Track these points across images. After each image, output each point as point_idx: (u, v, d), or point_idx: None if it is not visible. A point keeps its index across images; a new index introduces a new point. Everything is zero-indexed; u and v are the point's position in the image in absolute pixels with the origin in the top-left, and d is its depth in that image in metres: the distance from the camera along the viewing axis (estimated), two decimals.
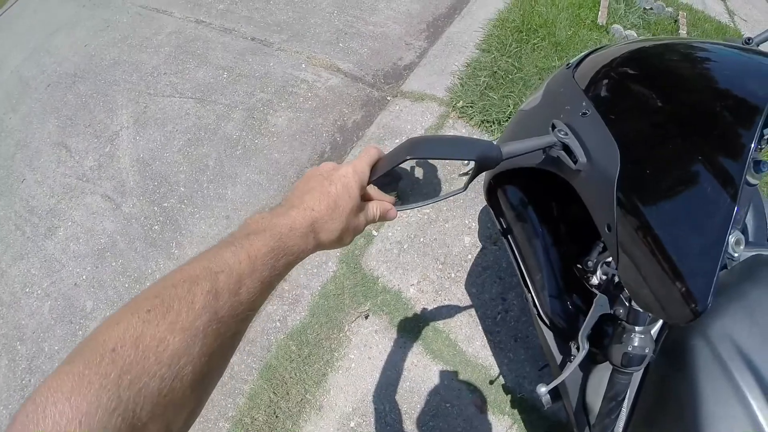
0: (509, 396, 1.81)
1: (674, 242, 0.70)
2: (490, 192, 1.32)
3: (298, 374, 1.88)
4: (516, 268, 1.31)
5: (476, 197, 2.11)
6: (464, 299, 1.90)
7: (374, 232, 2.02)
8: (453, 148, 0.64)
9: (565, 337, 1.22)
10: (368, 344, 1.86)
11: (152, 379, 0.31)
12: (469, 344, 1.84)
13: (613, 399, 0.90)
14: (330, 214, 0.49)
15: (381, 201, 0.60)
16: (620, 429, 0.96)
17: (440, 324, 1.86)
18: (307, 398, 1.86)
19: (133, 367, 0.31)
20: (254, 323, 2.01)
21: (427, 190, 0.71)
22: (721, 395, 0.75)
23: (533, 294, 1.28)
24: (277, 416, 1.88)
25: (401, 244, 1.99)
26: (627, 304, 0.88)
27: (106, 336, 0.32)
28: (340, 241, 0.53)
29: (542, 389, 1.02)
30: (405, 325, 1.86)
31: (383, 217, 0.59)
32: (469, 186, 0.70)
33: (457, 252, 1.98)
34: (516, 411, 1.80)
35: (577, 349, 1.02)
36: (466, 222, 2.04)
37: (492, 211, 1.36)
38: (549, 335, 1.24)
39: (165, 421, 0.32)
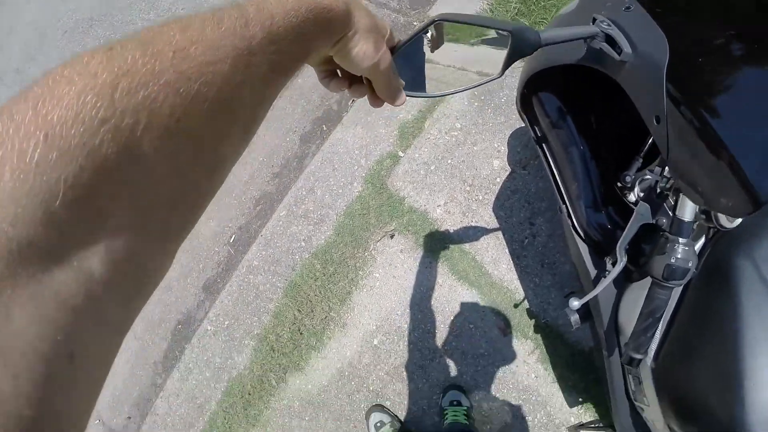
0: (533, 321, 1.78)
1: (732, 132, 0.65)
2: (524, 100, 1.24)
3: (322, 292, 1.89)
4: (550, 177, 1.24)
5: (506, 121, 2.02)
6: (491, 222, 1.85)
7: (400, 153, 1.96)
8: (487, 20, 0.57)
9: (601, 251, 1.16)
10: (393, 263, 1.84)
11: (163, 90, 0.22)
12: (495, 267, 1.80)
13: (650, 315, 0.85)
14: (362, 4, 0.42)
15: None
16: (654, 348, 0.92)
17: (466, 246, 1.82)
18: (331, 316, 1.87)
19: (137, 69, 0.22)
20: (280, 241, 2.01)
21: (449, 81, 0.64)
22: (766, 318, 0.72)
23: (568, 204, 1.22)
24: (301, 333, 1.91)
25: (428, 165, 1.93)
26: (671, 213, 0.83)
27: (102, 48, 0.23)
28: (371, 35, 0.41)
29: (575, 303, 0.97)
30: (431, 245, 1.83)
31: (393, 93, 0.47)
32: (505, 75, 0.63)
33: (485, 175, 1.91)
34: (539, 336, 1.77)
35: (613, 264, 0.97)
36: (495, 145, 1.95)
37: (525, 120, 1.29)
38: (584, 249, 1.19)
39: (174, 165, 0.24)
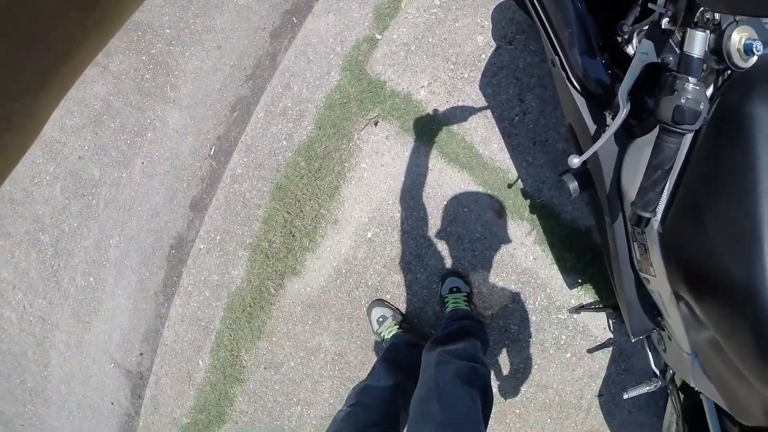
0: (528, 201, 1.72)
1: None
2: None
3: (310, 190, 1.81)
4: (539, 25, 1.11)
5: None
6: (479, 100, 1.73)
7: (378, 36, 1.81)
8: None
9: (600, 103, 1.06)
10: (380, 151, 1.75)
11: None
12: (486, 147, 1.71)
13: (658, 167, 0.75)
14: None
15: None
16: (662, 210, 0.83)
17: (454, 127, 1.72)
18: (321, 213, 1.81)
19: None
20: (261, 144, 1.92)
21: None
22: None
23: (561, 54, 1.09)
24: (293, 235, 1.86)
25: (408, 46, 1.78)
26: (678, 50, 0.73)
27: None
28: None
29: (574, 160, 0.88)
30: (417, 128, 1.73)
31: None
32: None
33: (469, 51, 1.77)
34: (535, 217, 1.72)
35: (613, 117, 0.86)
36: (478, 21, 1.80)
37: None
38: (581, 102, 1.07)
39: None
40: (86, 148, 2.27)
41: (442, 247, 1.74)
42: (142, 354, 2.19)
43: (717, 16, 0.68)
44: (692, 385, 1.03)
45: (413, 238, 1.75)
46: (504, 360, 1.78)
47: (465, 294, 1.65)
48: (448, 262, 1.74)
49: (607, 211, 1.06)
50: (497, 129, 1.71)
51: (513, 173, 1.68)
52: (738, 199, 0.68)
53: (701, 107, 0.69)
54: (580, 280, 1.67)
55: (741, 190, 0.68)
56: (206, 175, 2.05)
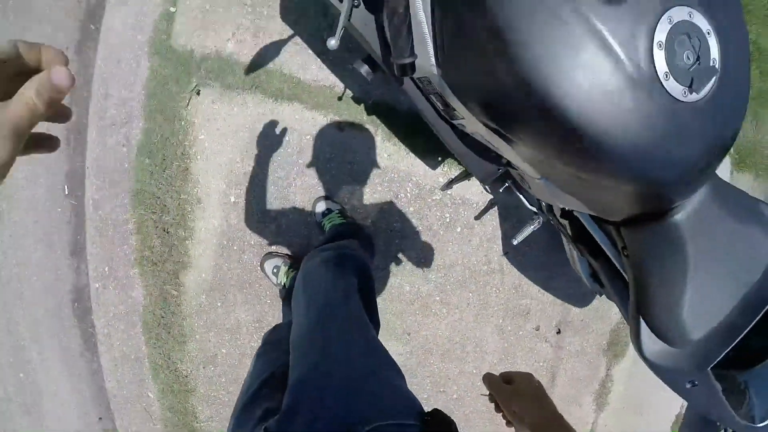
0: (361, 105, 1.73)
1: None
2: None
3: (164, 182, 1.78)
4: None
5: None
6: (285, 31, 1.72)
7: (172, 9, 1.78)
8: None
9: None
10: (211, 118, 1.72)
11: None
12: (305, 72, 1.71)
13: (393, 13, 0.74)
14: None
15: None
16: (431, 51, 0.82)
17: (270, 65, 1.70)
18: (183, 199, 1.78)
19: None
20: (105, 162, 1.86)
21: None
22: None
23: None
24: (167, 232, 1.83)
25: (203, 6, 1.75)
26: None
27: None
28: None
29: (331, 42, 0.87)
30: (236, 82, 1.71)
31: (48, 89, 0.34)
32: None
33: None
34: (374, 117, 1.74)
35: None
36: None
37: None
38: None
39: None
40: None
41: (300, 180, 1.74)
42: (101, 418, 2.12)
43: None
44: (560, 205, 1.03)
45: (272, 183, 1.74)
46: (403, 258, 1.82)
47: (337, 212, 1.65)
48: (313, 191, 1.75)
49: (389, 75, 1.05)
50: (311, 51, 1.71)
51: (339, 85, 1.69)
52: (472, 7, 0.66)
53: None
54: (439, 158, 1.69)
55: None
56: (70, 214, 1.98)
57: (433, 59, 0.82)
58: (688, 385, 0.83)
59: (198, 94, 1.72)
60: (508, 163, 1.19)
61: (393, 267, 1.84)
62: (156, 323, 1.92)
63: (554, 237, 1.81)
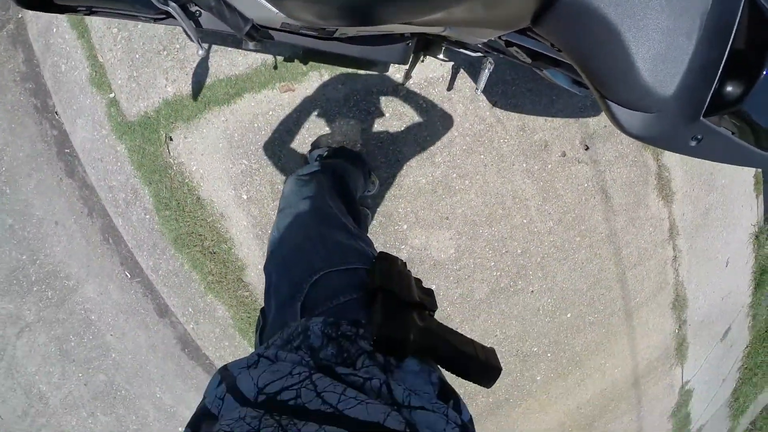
0: (295, 61, 1.92)
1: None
2: None
3: (188, 219, 2.11)
4: None
5: None
6: (202, 47, 1.99)
7: (111, 95, 2.08)
8: None
9: None
10: (191, 150, 1.99)
11: None
12: (236, 67, 1.93)
13: None
14: None
15: None
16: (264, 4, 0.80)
17: (207, 80, 1.94)
18: (209, 221, 2.11)
19: None
20: (141, 234, 2.20)
21: None
22: None
23: None
24: (214, 252, 2.16)
25: (132, 75, 2.00)
26: None
27: None
28: None
29: (199, 51, 1.10)
30: (192, 111, 1.92)
31: None
32: None
33: (162, 31, 1.97)
34: (311, 63, 1.91)
35: None
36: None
37: None
38: None
39: None
40: None
41: (285, 149, 2.00)
42: None
43: None
44: (480, 40, 1.05)
45: (269, 164, 2.01)
46: (404, 158, 2.03)
47: (326, 152, 1.90)
48: (301, 149, 2.00)
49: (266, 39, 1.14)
50: (230, 49, 1.91)
51: (267, 58, 1.90)
52: None
53: None
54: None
55: None
56: (143, 289, 2.33)
57: (270, 6, 0.86)
58: (693, 143, 0.78)
59: (171, 140, 2.03)
60: (412, 34, 1.27)
61: (400, 171, 2.04)
62: (248, 326, 2.25)
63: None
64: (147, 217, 2.15)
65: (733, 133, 0.79)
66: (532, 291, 2.48)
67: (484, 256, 2.30)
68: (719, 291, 3.06)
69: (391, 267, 0.78)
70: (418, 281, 0.81)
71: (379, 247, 2.14)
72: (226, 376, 0.59)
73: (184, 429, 0.58)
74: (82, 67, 2.04)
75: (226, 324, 2.27)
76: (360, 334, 0.64)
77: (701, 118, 0.75)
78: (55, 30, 2.01)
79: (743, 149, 0.80)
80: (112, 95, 2.09)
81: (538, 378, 2.79)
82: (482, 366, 0.66)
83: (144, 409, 2.57)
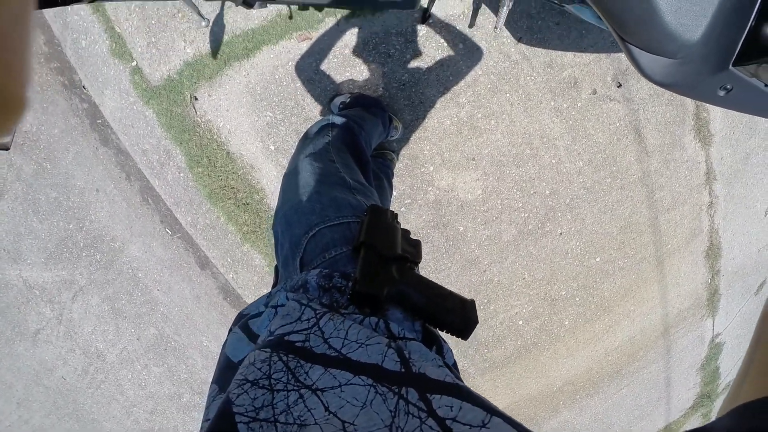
0: (310, 8, 1.85)
1: None
2: None
3: (220, 173, 2.21)
4: None
5: None
6: (216, 6, 2.03)
7: (132, 63, 2.16)
8: None
9: None
10: (216, 106, 2.06)
11: None
12: (251, 20, 1.96)
13: None
14: None
15: None
16: None
17: (225, 37, 1.99)
18: (240, 174, 2.20)
19: None
20: (178, 194, 2.32)
21: None
22: None
23: None
24: (247, 203, 2.25)
25: (149, 41, 2.11)
26: None
27: None
28: None
29: (202, 23, 1.19)
30: (214, 69, 2.02)
31: None
32: None
33: None
34: (325, 12, 1.90)
35: None
36: None
37: None
38: None
39: None
40: None
41: (308, 99, 2.04)
42: None
43: None
44: None
45: (293, 114, 2.05)
46: (427, 100, 2.00)
47: (348, 98, 1.93)
48: (323, 98, 2.02)
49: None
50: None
51: (282, 8, 1.91)
52: None
53: None
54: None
55: None
56: (185, 244, 2.47)
57: None
58: (722, 93, 0.73)
59: (196, 99, 2.10)
60: None
61: (424, 113, 2.01)
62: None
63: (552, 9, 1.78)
64: (181, 175, 2.26)
65: (766, 85, 0.72)
66: (561, 233, 2.48)
67: (512, 198, 2.29)
68: (756, 242, 2.94)
69: (378, 220, 0.80)
70: (406, 232, 0.84)
71: (405, 189, 2.19)
72: (241, 323, 0.67)
73: (210, 387, 0.65)
74: (101, 40, 2.10)
75: (263, 272, 2.39)
76: (350, 286, 0.68)
77: (730, 67, 0.68)
78: (69, 8, 2.08)
79: None
80: (134, 63, 2.17)
81: (566, 323, 2.82)
82: (458, 318, 0.67)
83: (192, 358, 2.77)
